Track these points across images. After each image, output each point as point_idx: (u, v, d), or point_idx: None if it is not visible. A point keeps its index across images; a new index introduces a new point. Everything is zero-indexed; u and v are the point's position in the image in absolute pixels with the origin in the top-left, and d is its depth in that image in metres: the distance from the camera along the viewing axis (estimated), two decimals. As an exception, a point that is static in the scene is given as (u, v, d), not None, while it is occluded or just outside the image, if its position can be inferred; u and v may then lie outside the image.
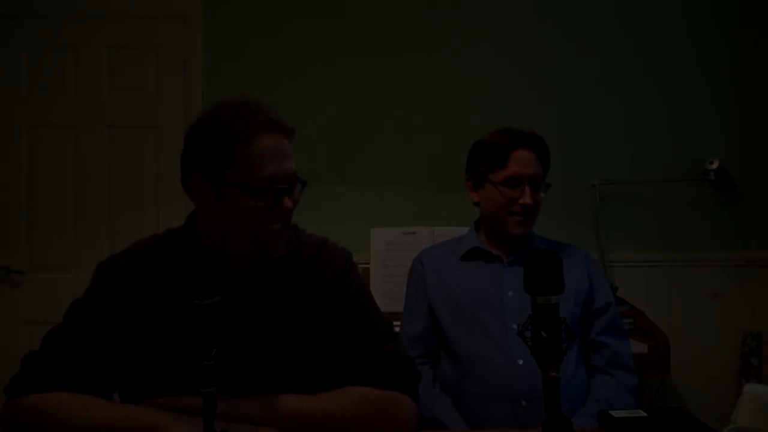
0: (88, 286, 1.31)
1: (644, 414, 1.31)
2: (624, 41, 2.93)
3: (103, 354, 1.25)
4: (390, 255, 2.55)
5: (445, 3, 2.94)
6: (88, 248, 2.92)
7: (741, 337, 2.86)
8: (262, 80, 2.92)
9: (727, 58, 2.92)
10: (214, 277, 1.02)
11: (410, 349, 1.68)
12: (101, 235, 2.93)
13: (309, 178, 1.31)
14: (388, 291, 2.51)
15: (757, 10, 2.91)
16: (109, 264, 1.31)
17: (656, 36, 2.93)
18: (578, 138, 2.91)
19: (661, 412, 1.35)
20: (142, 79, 2.97)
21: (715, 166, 2.82)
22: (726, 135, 2.90)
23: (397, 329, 1.76)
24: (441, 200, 2.85)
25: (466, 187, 1.91)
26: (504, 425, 1.64)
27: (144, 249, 1.33)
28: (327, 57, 2.94)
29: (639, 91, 2.93)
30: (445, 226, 2.57)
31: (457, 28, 2.93)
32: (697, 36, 2.93)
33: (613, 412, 1.32)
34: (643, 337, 2.34)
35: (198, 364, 1.00)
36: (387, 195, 2.90)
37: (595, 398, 1.70)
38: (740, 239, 2.89)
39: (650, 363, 2.26)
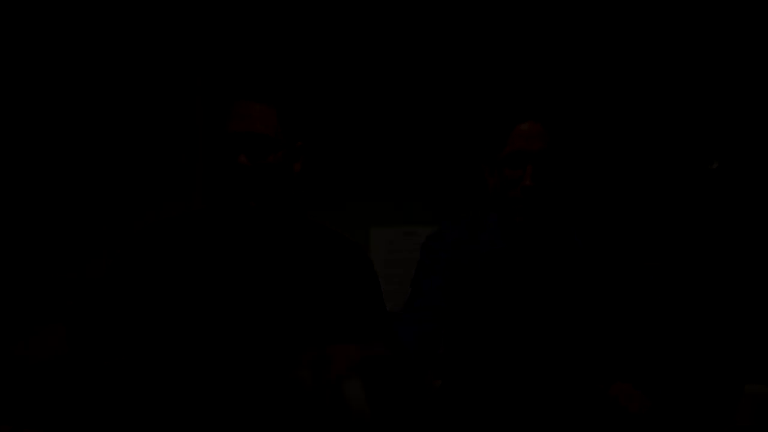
0: None
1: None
2: (624, 40, 2.93)
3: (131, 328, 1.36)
4: (391, 255, 2.55)
5: None
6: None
7: (741, 337, 2.86)
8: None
9: (727, 56, 2.92)
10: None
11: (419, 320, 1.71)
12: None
13: (309, 178, 1.32)
14: (387, 291, 2.49)
15: (758, 9, 2.91)
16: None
17: (656, 35, 2.93)
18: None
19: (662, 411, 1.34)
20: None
21: (715, 166, 2.82)
22: (726, 135, 2.90)
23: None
24: (441, 200, 2.85)
25: (484, 172, 1.58)
26: (522, 424, 1.56)
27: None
28: (327, 56, 2.94)
29: (639, 90, 2.93)
30: (445, 227, 2.57)
31: (455, 27, 2.94)
32: (697, 35, 2.93)
33: None
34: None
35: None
36: (387, 194, 2.90)
37: None
38: (740, 239, 2.89)
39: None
